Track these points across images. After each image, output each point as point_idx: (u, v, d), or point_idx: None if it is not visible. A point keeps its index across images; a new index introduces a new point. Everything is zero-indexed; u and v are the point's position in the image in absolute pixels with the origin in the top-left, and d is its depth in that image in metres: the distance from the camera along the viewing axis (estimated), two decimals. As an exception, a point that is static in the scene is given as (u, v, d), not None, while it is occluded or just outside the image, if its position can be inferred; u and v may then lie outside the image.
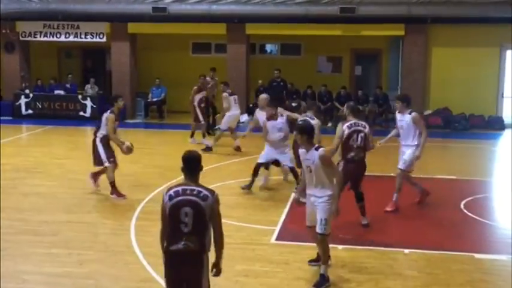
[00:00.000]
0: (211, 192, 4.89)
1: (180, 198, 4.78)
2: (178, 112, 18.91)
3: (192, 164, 4.92)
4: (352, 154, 8.29)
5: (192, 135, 14.88)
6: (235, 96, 14.56)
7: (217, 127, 15.48)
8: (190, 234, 4.75)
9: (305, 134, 6.47)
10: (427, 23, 17.94)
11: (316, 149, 6.45)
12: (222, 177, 11.31)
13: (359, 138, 8.27)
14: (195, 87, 14.95)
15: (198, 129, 14.82)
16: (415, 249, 7.70)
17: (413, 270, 7.11)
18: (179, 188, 4.84)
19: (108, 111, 9.79)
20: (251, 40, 19.78)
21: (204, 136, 14.68)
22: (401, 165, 9.27)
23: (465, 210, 9.40)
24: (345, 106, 8.80)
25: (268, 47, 21.57)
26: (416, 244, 7.89)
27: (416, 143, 9.11)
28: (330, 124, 18.20)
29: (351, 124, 8.32)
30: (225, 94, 14.27)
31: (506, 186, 11.21)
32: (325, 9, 17.47)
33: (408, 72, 18.44)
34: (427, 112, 18.24)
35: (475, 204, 9.75)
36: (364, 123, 8.54)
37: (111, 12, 18.39)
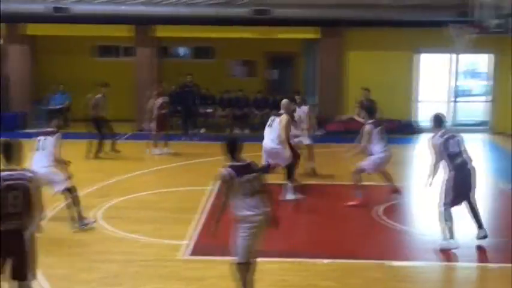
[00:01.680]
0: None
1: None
2: (81, 121, 18.35)
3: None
4: None
5: (155, 146, 14.63)
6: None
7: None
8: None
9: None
10: (341, 26, 18.41)
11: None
12: (133, 188, 11.08)
13: None
14: (155, 93, 14.71)
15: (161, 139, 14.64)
16: (333, 259, 7.80)
17: (330, 280, 7.19)
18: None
19: None
20: (162, 43, 19.58)
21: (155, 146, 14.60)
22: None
23: (381, 217, 9.64)
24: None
25: (180, 51, 21.43)
26: (334, 254, 8.01)
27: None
28: (246, 131, 18.29)
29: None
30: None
31: (422, 190, 11.61)
32: (239, 11, 17.55)
33: (324, 77, 18.86)
34: (345, 117, 18.66)
35: (390, 211, 10.03)
36: None
37: (7, 12, 17.62)
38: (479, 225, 8.32)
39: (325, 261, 7.72)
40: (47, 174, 8.51)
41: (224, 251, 7.98)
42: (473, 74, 26.96)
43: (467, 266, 7.87)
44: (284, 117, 10.43)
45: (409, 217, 10.26)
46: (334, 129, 18.29)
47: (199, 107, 18.23)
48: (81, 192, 9.93)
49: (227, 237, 8.47)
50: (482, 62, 22.02)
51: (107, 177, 11.89)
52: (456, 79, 19.47)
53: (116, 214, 9.54)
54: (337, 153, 15.73)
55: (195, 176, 12.37)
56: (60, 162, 8.92)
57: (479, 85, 24.93)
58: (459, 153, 8.14)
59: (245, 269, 6.25)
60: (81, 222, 8.78)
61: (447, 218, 8.06)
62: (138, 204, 10.18)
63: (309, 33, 18.80)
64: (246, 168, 6.18)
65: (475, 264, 7.92)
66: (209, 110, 18.66)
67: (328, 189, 11.76)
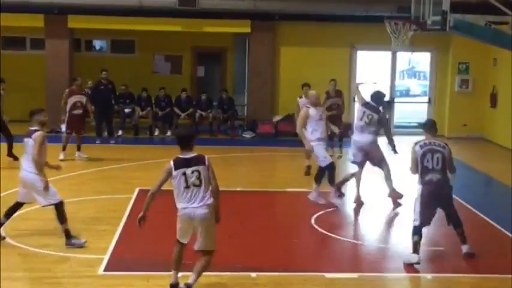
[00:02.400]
0: None
1: None
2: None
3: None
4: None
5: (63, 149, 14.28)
6: None
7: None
8: None
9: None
10: (274, 20, 18.63)
11: None
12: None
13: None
14: (67, 90, 14.33)
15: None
16: (263, 271, 7.88)
17: (259, 296, 7.29)
18: None
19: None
20: (75, 35, 19.25)
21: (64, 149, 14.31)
22: None
23: (316, 226, 9.82)
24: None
25: (97, 44, 21.12)
26: (264, 266, 8.10)
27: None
28: (169, 133, 18.21)
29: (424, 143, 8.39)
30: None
31: (365, 198, 11.92)
32: (163, 1, 17.48)
33: (255, 74, 19.02)
34: (277, 118, 18.91)
35: (326, 219, 10.21)
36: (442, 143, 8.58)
37: None
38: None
39: (253, 274, 7.78)
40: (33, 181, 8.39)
41: (143, 266, 7.98)
42: (413, 73, 27.87)
43: (402, 276, 8.13)
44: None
45: (345, 225, 10.49)
46: (266, 131, 18.49)
47: (115, 107, 17.99)
48: None
49: (145, 251, 8.53)
50: (422, 60, 22.82)
51: (12, 185, 11.58)
52: (393, 78, 20.02)
53: (24, 227, 9.30)
54: (270, 158, 15.95)
55: (113, 183, 12.24)
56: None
57: (418, 85, 25.82)
58: (434, 170, 8.25)
59: (178, 249, 7.10)
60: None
61: (413, 232, 8.25)
62: (49, 215, 9.93)
63: (238, 27, 18.92)
64: (190, 161, 6.90)
65: (412, 275, 8.18)
66: (127, 110, 18.45)
67: (261, 196, 11.86)
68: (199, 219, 6.88)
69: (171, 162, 6.95)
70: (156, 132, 18.36)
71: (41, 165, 8.53)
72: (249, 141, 17.88)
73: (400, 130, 19.85)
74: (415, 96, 25.25)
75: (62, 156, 13.97)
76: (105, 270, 7.87)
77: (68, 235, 8.57)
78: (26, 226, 9.32)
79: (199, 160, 6.92)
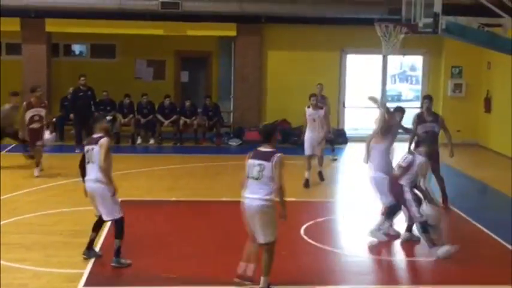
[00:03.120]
0: None
1: None
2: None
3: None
4: None
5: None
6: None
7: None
8: None
9: None
10: (261, 23, 18.68)
11: None
12: (19, 210, 10.79)
13: None
14: (25, 103, 13.94)
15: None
16: (249, 285, 7.86)
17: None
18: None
19: None
20: (53, 39, 19.20)
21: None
22: None
23: (305, 237, 9.82)
24: None
25: (76, 48, 21.07)
26: (252, 280, 8.07)
27: None
28: (152, 141, 18.19)
29: None
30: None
31: (351, 206, 11.95)
32: (144, 4, 17.48)
33: (242, 79, 19.06)
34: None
35: (316, 229, 10.22)
36: None
37: None
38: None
39: (243, 289, 7.77)
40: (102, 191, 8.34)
41: (125, 281, 7.94)
42: (405, 78, 28.03)
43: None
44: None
45: (336, 236, 10.50)
46: (253, 139, 18.44)
47: (96, 114, 17.91)
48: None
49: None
50: (414, 64, 22.96)
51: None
52: (384, 83, 20.12)
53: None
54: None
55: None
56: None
57: (410, 89, 25.96)
58: None
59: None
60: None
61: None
62: (25, 228, 9.90)
63: (224, 30, 18.94)
64: (260, 155, 7.51)
65: (405, 287, 8.20)
66: (108, 118, 18.35)
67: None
68: (254, 211, 7.35)
69: (251, 152, 7.56)
70: (139, 141, 18.33)
71: (108, 172, 8.42)
72: (236, 149, 17.87)
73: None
74: (407, 101, 25.37)
75: (36, 173, 13.61)
76: (85, 285, 7.81)
77: (118, 253, 8.37)
78: (3, 240, 9.24)
79: (268, 156, 7.35)
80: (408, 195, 8.95)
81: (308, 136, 13.39)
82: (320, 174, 13.63)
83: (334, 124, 19.37)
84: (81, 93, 17.17)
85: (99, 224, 8.74)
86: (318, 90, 15.88)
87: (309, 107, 13.41)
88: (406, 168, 9.06)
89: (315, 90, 15.40)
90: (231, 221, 10.73)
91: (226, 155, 16.79)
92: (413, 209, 8.89)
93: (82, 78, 17.15)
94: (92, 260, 8.52)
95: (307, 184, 13.15)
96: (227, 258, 8.93)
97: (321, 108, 13.54)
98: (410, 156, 9.19)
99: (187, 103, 18.70)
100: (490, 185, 13.94)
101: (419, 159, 9.08)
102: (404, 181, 9.01)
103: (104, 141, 8.37)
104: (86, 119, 16.74)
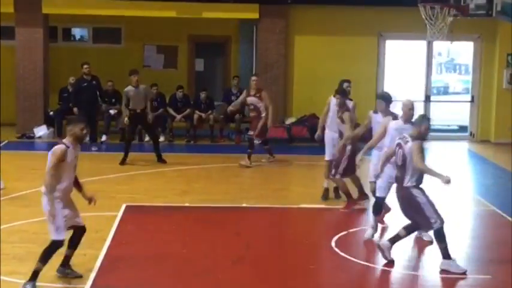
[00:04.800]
0: None
1: None
2: None
3: None
4: None
5: None
6: None
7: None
8: None
9: None
10: (286, 3, 18.63)
11: None
12: (11, 216, 10.81)
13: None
14: None
15: None
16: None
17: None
18: None
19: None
20: (51, 22, 19.29)
21: None
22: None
23: (336, 249, 9.75)
24: None
25: (77, 32, 21.15)
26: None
27: None
28: (162, 138, 18.20)
29: None
30: None
31: (389, 214, 11.85)
32: (154, -18, 17.54)
33: (265, 68, 19.01)
34: (290, 120, 18.89)
35: (349, 241, 10.17)
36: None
37: None
38: None
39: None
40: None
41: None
42: (453, 67, 27.83)
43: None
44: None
45: (372, 249, 10.40)
46: (277, 136, 18.42)
47: (101, 108, 18.02)
48: None
49: (132, 279, 8.50)
50: (464, 52, 22.76)
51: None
52: (429, 73, 19.97)
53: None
54: (282, 168, 15.91)
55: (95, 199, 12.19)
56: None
57: (459, 80, 25.78)
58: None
59: None
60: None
61: (441, 237, 8.89)
62: (18, 237, 9.94)
63: (244, 13, 18.91)
64: None
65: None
66: (113, 112, 18.44)
67: (270, 213, 11.83)
68: None
69: None
70: (147, 138, 18.33)
71: (52, 188, 8.09)
72: (257, 147, 17.80)
73: (438, 134, 19.80)
74: (455, 94, 25.20)
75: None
76: (83, 302, 7.83)
77: (33, 276, 8.06)
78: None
79: None
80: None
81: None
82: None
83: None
84: (84, 84, 17.17)
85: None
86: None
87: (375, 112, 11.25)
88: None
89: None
90: (251, 230, 10.75)
91: (246, 155, 16.73)
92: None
93: (85, 67, 17.16)
94: (93, 275, 8.52)
95: (326, 195, 12.50)
96: (246, 272, 8.92)
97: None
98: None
99: (203, 95, 18.71)
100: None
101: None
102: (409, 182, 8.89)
103: (58, 149, 8.01)
104: (91, 113, 16.87)
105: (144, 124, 15.79)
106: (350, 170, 11.36)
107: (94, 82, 17.41)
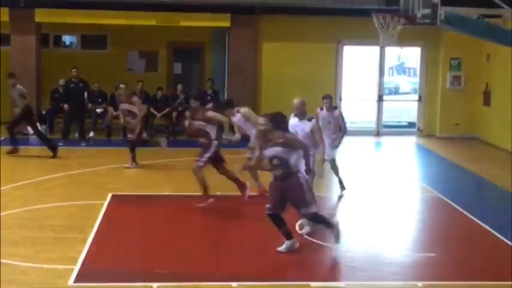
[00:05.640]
0: None
1: None
2: None
3: None
4: None
5: None
6: None
7: None
8: None
9: None
10: (255, 14, 18.65)
11: None
12: (7, 204, 10.72)
13: None
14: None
15: None
16: (244, 281, 7.88)
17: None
18: None
19: None
20: (43, 30, 19.13)
21: None
22: None
23: (300, 232, 9.80)
24: None
25: (66, 39, 20.99)
26: (245, 275, 8.10)
27: None
28: (144, 135, 18.09)
29: None
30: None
31: (346, 201, 11.97)
32: (136, -6, 17.45)
33: (236, 71, 19.01)
34: (259, 118, 18.90)
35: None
36: None
37: None
38: None
39: (234, 284, 7.78)
40: None
41: (115, 277, 7.94)
42: (402, 70, 28.00)
43: (392, 285, 8.17)
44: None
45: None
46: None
47: (89, 105, 17.97)
48: None
49: (118, 260, 8.50)
50: (412, 56, 22.93)
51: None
52: (382, 75, 20.12)
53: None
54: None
55: (84, 189, 12.17)
56: None
57: (408, 82, 25.97)
58: None
59: None
60: None
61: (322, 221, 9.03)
62: (14, 223, 9.87)
63: (217, 21, 18.88)
64: None
65: (402, 283, 8.22)
66: (99, 110, 18.36)
67: (242, 201, 11.86)
68: None
69: None
70: (129, 134, 18.20)
71: None
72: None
73: (390, 130, 20.01)
74: (404, 94, 25.38)
75: None
76: (75, 281, 7.80)
77: None
78: (-10, 235, 9.23)
79: None
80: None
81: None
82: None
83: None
84: (72, 85, 17.21)
85: None
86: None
87: (322, 108, 11.99)
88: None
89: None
90: (224, 216, 10.78)
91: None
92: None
93: (73, 70, 17.19)
94: (83, 256, 8.52)
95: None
96: (222, 253, 8.97)
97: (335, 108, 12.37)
98: None
99: (181, 96, 18.64)
100: (488, 179, 13.95)
101: None
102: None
103: None
104: (79, 112, 16.98)
105: None
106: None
107: (81, 84, 17.39)
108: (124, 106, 14.42)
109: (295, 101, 10.25)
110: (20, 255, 8.43)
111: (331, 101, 12.11)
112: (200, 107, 11.48)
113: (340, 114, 12.13)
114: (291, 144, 8.56)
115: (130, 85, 18.37)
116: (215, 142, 10.99)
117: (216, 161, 11.23)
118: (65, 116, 17.53)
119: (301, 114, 10.10)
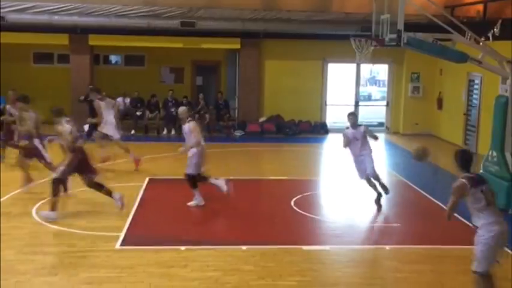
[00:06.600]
0: None
1: None
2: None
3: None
4: None
5: None
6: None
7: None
8: None
9: None
10: (259, 38, 18.61)
11: None
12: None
13: None
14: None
15: None
16: (251, 245, 7.90)
17: (250, 264, 7.29)
18: None
19: None
20: (95, 51, 19.11)
21: None
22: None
23: (295, 207, 9.84)
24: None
25: (113, 58, 20.98)
26: (252, 240, 8.11)
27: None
28: (173, 132, 18.12)
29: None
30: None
31: (331, 183, 11.97)
32: (167, 23, 17.38)
33: (244, 83, 18.98)
34: (262, 119, 18.92)
35: (303, 201, 10.24)
36: None
37: None
38: None
39: (244, 247, 7.80)
40: None
41: (152, 241, 7.97)
42: (374, 81, 27.95)
43: (365, 248, 8.16)
44: None
45: (319, 207, 10.50)
46: (253, 130, 18.48)
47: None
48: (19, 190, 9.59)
49: (154, 230, 8.52)
50: (382, 71, 22.87)
51: (42, 176, 11.53)
52: (358, 85, 20.06)
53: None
54: (256, 152, 15.97)
55: (126, 174, 12.19)
56: None
57: (378, 91, 25.90)
58: None
59: (484, 280, 5.72)
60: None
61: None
62: (73, 200, 9.90)
63: (230, 44, 18.84)
64: (480, 180, 5.95)
65: (373, 246, 8.22)
66: (138, 113, 18.39)
67: (249, 183, 11.86)
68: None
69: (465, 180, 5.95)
70: (164, 132, 18.28)
71: None
72: (240, 138, 17.87)
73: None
74: (375, 100, 25.34)
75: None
76: (121, 245, 7.84)
77: None
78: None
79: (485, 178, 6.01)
80: None
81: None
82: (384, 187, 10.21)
83: (318, 118, 19.38)
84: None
85: None
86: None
87: (347, 127, 10.10)
88: None
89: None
90: (236, 195, 10.79)
91: (232, 143, 16.75)
92: None
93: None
94: (126, 226, 8.53)
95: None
96: (233, 224, 8.99)
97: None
98: None
99: (202, 102, 18.64)
100: (442, 167, 13.92)
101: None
102: None
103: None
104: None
105: None
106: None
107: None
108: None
109: (350, 117, 10.01)
110: (76, 225, 8.48)
111: (356, 118, 10.11)
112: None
113: (366, 129, 10.08)
114: None
115: (163, 94, 18.49)
116: None
117: None
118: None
119: (354, 125, 9.98)
